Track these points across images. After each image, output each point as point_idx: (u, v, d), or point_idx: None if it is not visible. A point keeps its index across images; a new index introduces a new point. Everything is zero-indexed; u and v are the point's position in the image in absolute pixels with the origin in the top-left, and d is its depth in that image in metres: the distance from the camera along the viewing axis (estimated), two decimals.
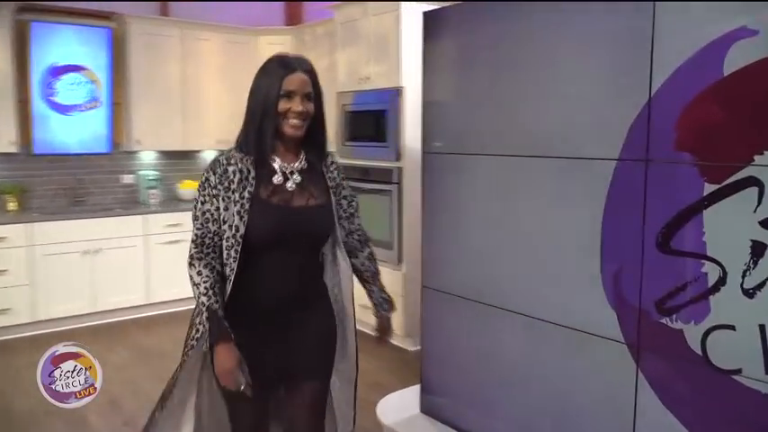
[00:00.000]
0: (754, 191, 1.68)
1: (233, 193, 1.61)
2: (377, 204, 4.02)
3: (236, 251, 1.62)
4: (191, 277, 1.67)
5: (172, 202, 5.19)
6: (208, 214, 1.64)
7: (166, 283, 4.77)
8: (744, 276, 1.72)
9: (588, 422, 2.15)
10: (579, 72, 2.07)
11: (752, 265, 1.70)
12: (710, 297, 1.79)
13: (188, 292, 1.73)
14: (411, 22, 3.77)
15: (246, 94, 1.66)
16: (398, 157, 3.86)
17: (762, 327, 1.70)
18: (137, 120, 4.86)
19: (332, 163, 1.81)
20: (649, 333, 1.95)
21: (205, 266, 1.66)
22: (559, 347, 2.21)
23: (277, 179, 1.67)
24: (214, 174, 1.63)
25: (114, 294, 4.63)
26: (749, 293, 1.72)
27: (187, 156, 5.41)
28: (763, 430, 1.72)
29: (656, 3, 1.82)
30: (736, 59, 1.66)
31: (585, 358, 2.14)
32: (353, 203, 1.86)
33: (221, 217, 1.63)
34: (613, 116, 1.97)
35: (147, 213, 4.83)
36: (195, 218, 1.67)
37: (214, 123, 5.14)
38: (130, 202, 5.09)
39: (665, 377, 1.94)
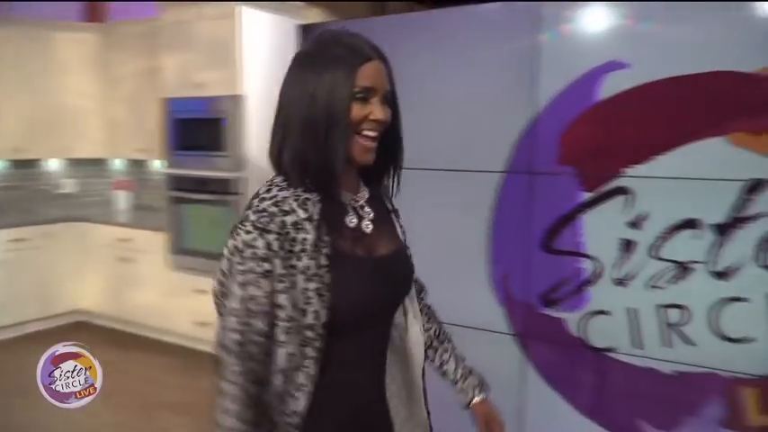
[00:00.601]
0: (623, 198, 2.02)
1: (298, 259, 1.00)
2: (216, 216, 3.87)
3: (315, 349, 1.02)
4: (219, 406, 1.02)
5: None
6: (253, 304, 1.00)
7: None
8: (616, 269, 2.06)
9: None
10: (468, 91, 2.26)
11: (622, 260, 2.04)
12: (589, 288, 2.11)
13: None
14: (252, 28, 3.71)
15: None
16: (241, 167, 3.76)
17: (630, 310, 2.05)
18: None
19: None
20: (535, 324, 2.22)
21: (239, 396, 1.01)
22: None
23: (351, 220, 1.11)
24: (265, 233, 0.99)
25: None
26: (621, 283, 2.05)
27: None
28: (635, 396, 2.08)
29: (541, 30, 2.09)
30: (610, 87, 1.98)
31: (476, 353, 2.35)
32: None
33: (277, 303, 1.01)
34: (500, 133, 2.20)
35: None
36: (230, 312, 1.01)
37: (4, 130, 4.47)
38: None
39: (549, 361, 2.22)
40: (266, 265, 0.99)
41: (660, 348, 2.00)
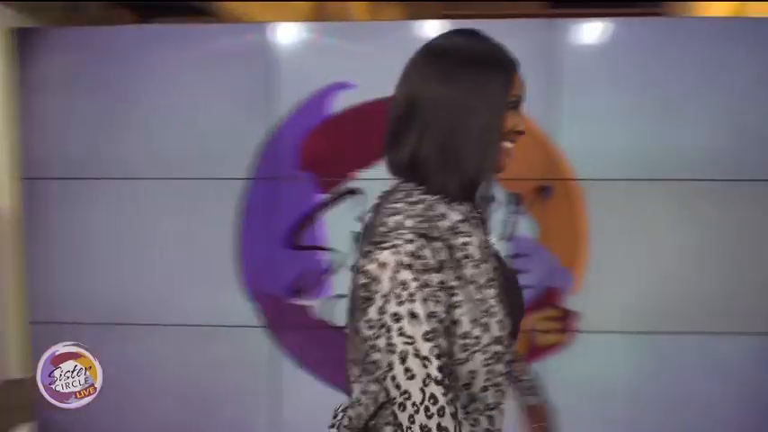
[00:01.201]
0: (355, 197, 2.38)
1: (464, 267, 0.90)
2: None
3: (506, 364, 0.94)
4: None
5: None
6: (436, 322, 0.85)
7: None
8: (353, 258, 2.41)
9: (241, 406, 2.51)
10: (210, 105, 2.37)
11: (355, 249, 2.40)
12: (332, 276, 2.43)
13: None
14: None
15: None
16: None
17: None
18: None
19: None
20: (285, 314, 2.46)
21: (461, 426, 0.86)
22: (207, 347, 2.48)
23: (487, 234, 1.01)
24: (430, 240, 0.87)
25: None
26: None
27: None
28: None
29: (278, 51, 2.31)
30: (341, 103, 2.31)
31: (231, 349, 2.49)
32: None
33: (453, 319, 0.88)
34: (244, 142, 2.37)
35: None
36: (421, 336, 0.83)
37: None
38: None
39: (301, 346, 2.48)
40: (438, 276, 0.86)
41: None
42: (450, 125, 0.93)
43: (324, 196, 2.38)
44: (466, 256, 0.90)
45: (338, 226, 2.40)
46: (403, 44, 2.33)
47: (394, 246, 0.85)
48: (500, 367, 0.92)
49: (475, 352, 0.89)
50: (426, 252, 0.85)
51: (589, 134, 2.29)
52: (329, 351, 2.48)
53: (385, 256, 0.85)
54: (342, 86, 2.31)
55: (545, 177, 2.31)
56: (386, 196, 1.00)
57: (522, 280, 2.33)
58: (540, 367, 2.39)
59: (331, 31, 2.33)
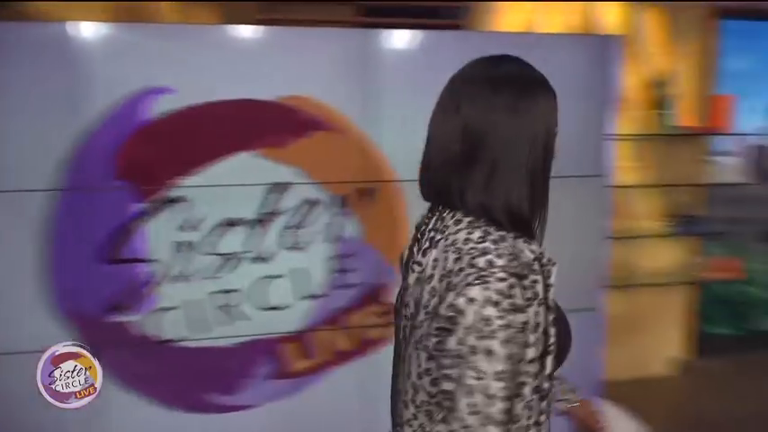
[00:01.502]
0: (178, 205, 2.30)
1: (531, 305, 0.90)
2: None
3: (548, 403, 0.96)
4: None
5: None
6: (513, 364, 0.87)
7: None
8: (178, 268, 2.33)
9: None
10: (7, 107, 2.15)
11: (182, 260, 2.33)
12: (155, 289, 2.32)
13: None
14: None
15: None
16: None
17: (194, 301, 2.36)
18: None
19: None
20: (105, 333, 2.31)
21: None
22: (16, 376, 2.25)
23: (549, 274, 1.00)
24: (521, 279, 0.88)
25: None
26: (183, 280, 2.34)
27: None
28: (206, 374, 2.41)
29: (86, 53, 2.16)
30: (160, 108, 2.22)
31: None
32: None
33: (528, 359, 0.90)
34: (48, 151, 2.18)
35: None
36: (493, 375, 0.85)
37: None
38: None
39: (124, 365, 2.35)
40: (523, 317, 0.87)
41: (223, 328, 2.38)
42: (519, 160, 0.94)
43: (142, 206, 2.28)
44: (535, 294, 0.91)
45: (161, 236, 2.31)
46: (219, 48, 2.33)
47: (485, 283, 0.86)
48: (544, 405, 0.94)
49: (534, 391, 0.91)
50: (516, 291, 0.87)
51: (406, 138, 2.42)
52: (154, 366, 2.37)
53: (475, 292, 0.87)
54: (159, 91, 2.22)
55: (368, 180, 2.42)
56: (443, 230, 1.00)
57: (349, 278, 2.45)
58: (365, 362, 2.50)
59: (144, 33, 2.22)
